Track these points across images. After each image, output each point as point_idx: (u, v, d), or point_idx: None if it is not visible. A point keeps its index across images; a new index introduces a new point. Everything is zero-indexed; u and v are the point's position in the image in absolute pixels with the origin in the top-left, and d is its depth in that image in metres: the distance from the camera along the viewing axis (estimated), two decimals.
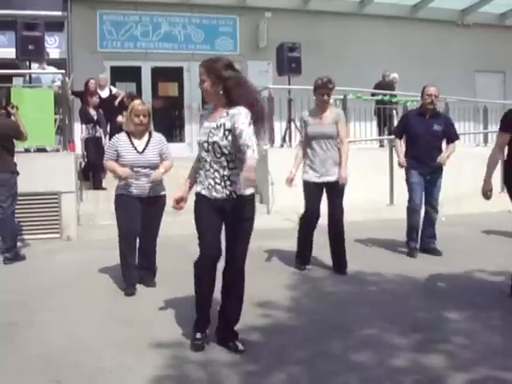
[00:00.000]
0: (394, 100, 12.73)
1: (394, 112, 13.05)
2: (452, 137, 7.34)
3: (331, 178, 6.33)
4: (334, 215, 6.46)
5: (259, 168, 8.88)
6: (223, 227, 4.22)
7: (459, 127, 12.84)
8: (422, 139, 7.15)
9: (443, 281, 6.00)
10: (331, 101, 11.58)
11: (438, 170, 7.26)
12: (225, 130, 4.03)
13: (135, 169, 5.71)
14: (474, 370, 3.79)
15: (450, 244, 7.55)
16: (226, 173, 4.08)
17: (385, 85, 13.63)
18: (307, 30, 15.29)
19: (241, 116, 3.93)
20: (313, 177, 6.38)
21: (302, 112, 6.92)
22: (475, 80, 16.82)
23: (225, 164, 4.08)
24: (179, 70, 15.35)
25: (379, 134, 13.22)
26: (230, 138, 4.02)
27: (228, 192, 4.08)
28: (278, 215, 8.98)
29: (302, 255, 6.64)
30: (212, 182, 4.10)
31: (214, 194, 4.10)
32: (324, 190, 6.44)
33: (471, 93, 15.34)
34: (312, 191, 6.39)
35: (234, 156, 4.07)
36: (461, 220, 9.16)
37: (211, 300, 4.29)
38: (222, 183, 4.08)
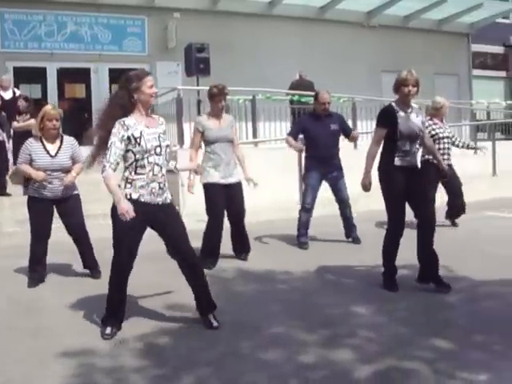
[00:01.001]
0: (302, 100, 12.89)
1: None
2: (348, 131, 7.84)
3: (235, 179, 6.67)
4: (239, 212, 6.77)
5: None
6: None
7: (366, 126, 13.20)
8: (322, 140, 7.46)
9: (352, 276, 6.11)
10: (241, 101, 11.71)
11: (339, 167, 7.64)
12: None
13: (48, 172, 5.88)
14: (379, 361, 3.87)
15: (361, 239, 7.72)
16: (166, 178, 4.48)
17: (298, 84, 13.76)
18: (217, 30, 15.28)
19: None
20: (218, 178, 6.56)
21: (198, 117, 7.07)
22: (381, 80, 17.29)
23: (166, 169, 4.49)
24: (86, 71, 14.99)
25: None
26: None
27: (165, 197, 4.46)
28: (190, 217, 8.85)
29: (210, 254, 6.71)
30: (156, 187, 4.38)
31: (155, 198, 4.39)
32: (226, 193, 6.63)
33: (378, 92, 15.74)
34: (218, 196, 6.56)
35: None
36: (370, 216, 9.35)
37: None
38: (164, 187, 4.44)
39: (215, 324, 4.58)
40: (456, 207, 8.82)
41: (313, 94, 13.34)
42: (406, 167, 5.49)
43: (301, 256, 7.19)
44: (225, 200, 6.64)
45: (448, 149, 8.47)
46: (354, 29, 17.86)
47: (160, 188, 4.39)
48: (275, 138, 12.66)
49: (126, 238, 4.35)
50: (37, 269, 6.07)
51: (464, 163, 12.06)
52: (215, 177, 6.55)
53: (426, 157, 7.84)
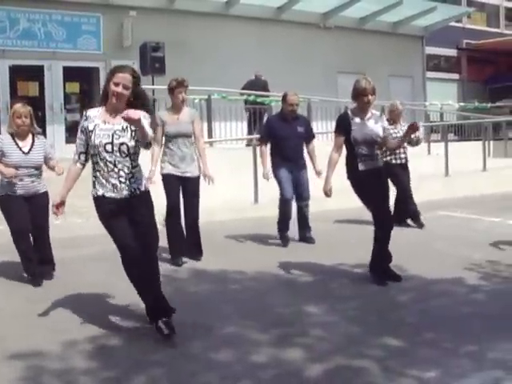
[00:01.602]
0: (258, 100, 12.92)
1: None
2: (310, 137, 7.86)
3: (190, 175, 6.71)
4: (193, 209, 6.83)
5: None
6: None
7: (322, 126, 13.32)
8: (289, 142, 7.51)
9: (305, 275, 6.13)
10: (196, 100, 11.70)
11: (304, 167, 7.71)
12: (131, 131, 4.28)
13: (20, 169, 5.90)
14: (330, 360, 3.90)
15: (316, 239, 7.76)
16: (131, 171, 4.34)
17: (253, 84, 13.78)
18: (173, 29, 15.21)
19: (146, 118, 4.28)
20: (173, 171, 6.67)
21: (159, 111, 7.08)
22: (337, 81, 17.43)
23: (128, 164, 4.34)
24: (40, 69, 14.73)
25: (249, 133, 13.34)
26: (135, 138, 4.30)
27: (133, 189, 4.34)
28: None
29: (177, 251, 6.76)
30: (117, 183, 4.31)
31: (120, 192, 4.31)
32: (181, 186, 6.76)
33: (334, 93, 15.88)
34: (173, 184, 6.69)
35: (136, 156, 4.39)
36: (325, 216, 9.42)
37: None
38: (127, 181, 4.32)
39: (166, 332, 4.34)
40: (404, 210, 8.93)
41: (268, 93, 13.54)
42: (370, 170, 5.65)
43: (255, 256, 7.19)
44: (181, 193, 6.79)
45: (403, 147, 8.63)
46: (311, 30, 17.98)
47: (122, 182, 4.31)
48: (231, 137, 12.67)
49: (116, 232, 4.33)
50: (28, 267, 6.03)
51: (418, 163, 12.28)
52: (170, 169, 6.68)
53: (384, 159, 8.11)
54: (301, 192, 7.69)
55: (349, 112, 5.71)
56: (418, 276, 5.94)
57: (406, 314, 4.86)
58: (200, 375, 3.74)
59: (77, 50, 14.80)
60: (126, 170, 4.33)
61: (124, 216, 4.33)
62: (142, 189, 4.43)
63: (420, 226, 8.76)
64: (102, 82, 14.72)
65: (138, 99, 4.34)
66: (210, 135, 11.63)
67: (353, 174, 5.67)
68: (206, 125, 11.69)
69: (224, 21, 16.41)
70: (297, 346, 4.15)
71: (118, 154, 4.29)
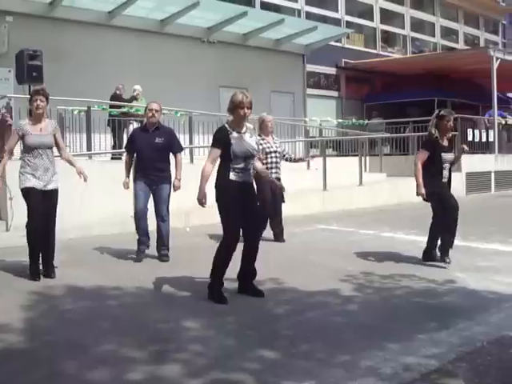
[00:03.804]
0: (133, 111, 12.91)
1: (131, 126, 13.00)
2: (175, 149, 7.75)
3: (52, 187, 6.63)
4: (51, 222, 6.67)
5: None
6: None
7: (203, 140, 13.34)
8: (145, 152, 7.50)
9: (183, 290, 6.09)
10: (76, 112, 11.37)
11: (164, 181, 7.59)
12: None
13: None
14: (207, 374, 3.88)
15: (194, 253, 7.74)
16: None
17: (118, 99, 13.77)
18: (52, 37, 14.72)
19: None
20: (36, 184, 6.53)
21: (20, 121, 7.02)
22: (219, 95, 17.55)
23: None
24: None
25: (113, 147, 13.17)
26: None
27: None
28: (18, 231, 8.48)
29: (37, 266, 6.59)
30: None
31: None
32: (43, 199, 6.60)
33: (216, 107, 15.95)
34: (37, 199, 6.51)
35: None
36: (204, 230, 9.46)
37: None
38: None
39: None
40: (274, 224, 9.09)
41: (140, 105, 13.45)
42: (240, 183, 5.67)
43: (132, 271, 7.08)
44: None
45: (276, 163, 8.89)
46: (194, 44, 18.02)
47: None
48: (111, 150, 12.44)
49: None
50: None
51: (297, 178, 12.61)
52: (34, 182, 6.51)
53: (274, 175, 8.31)
54: (160, 208, 7.61)
55: (226, 126, 5.73)
56: (294, 288, 6.07)
57: (281, 327, 4.93)
58: None
59: None
60: None
61: None
62: None
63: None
64: None
65: None
66: (88, 147, 11.34)
67: (222, 183, 5.63)
68: (85, 137, 11.41)
69: (106, 31, 16.09)
70: (174, 361, 4.11)
71: None
